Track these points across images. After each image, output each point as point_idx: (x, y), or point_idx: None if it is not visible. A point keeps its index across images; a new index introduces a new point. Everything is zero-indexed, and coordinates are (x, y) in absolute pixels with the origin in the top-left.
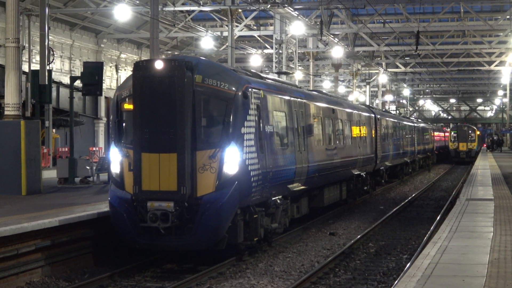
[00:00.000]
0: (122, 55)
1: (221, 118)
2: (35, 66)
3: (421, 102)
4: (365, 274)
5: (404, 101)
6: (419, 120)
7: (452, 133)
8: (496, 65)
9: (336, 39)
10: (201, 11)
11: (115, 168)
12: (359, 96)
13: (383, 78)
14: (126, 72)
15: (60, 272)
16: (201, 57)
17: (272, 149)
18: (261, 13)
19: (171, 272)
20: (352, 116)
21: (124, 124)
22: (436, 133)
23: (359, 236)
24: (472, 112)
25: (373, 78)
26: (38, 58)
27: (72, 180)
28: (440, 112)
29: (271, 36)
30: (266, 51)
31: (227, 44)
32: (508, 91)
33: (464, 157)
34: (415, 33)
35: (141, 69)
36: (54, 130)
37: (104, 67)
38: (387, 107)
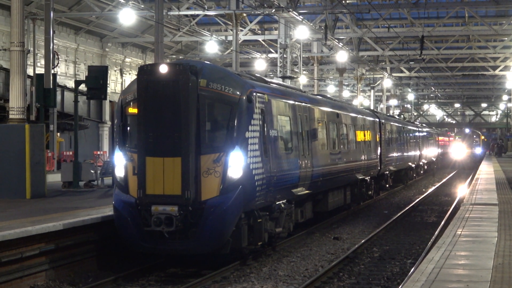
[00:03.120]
0: (127, 59)
1: (226, 122)
2: (40, 70)
3: (425, 106)
4: (369, 279)
5: (409, 106)
6: (424, 125)
7: (457, 138)
8: (500, 70)
9: (340, 43)
10: (205, 15)
11: (119, 172)
12: (363, 100)
13: (387, 82)
14: (130, 76)
15: (64, 276)
16: (206, 61)
17: (277, 154)
18: (265, 17)
19: (175, 276)
20: (357, 120)
21: (128, 128)
22: (440, 138)
23: (363, 241)
24: (477, 117)
25: (377, 83)
26: (42, 62)
27: (77, 184)
28: (445, 116)
29: (275, 41)
30: (270, 55)
31: (231, 48)
32: None
33: (469, 161)
34: (419, 38)
35: (146, 73)
36: (58, 134)
37: (109, 71)
38: (391, 112)
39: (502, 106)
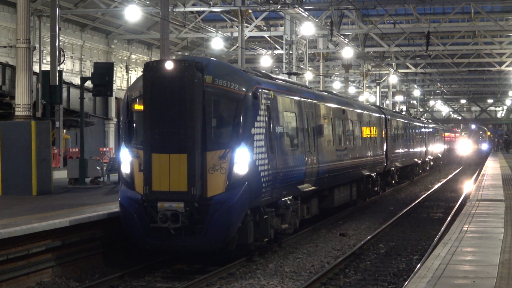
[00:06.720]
0: (133, 56)
1: (231, 118)
2: (46, 67)
3: (431, 102)
4: (375, 275)
5: (415, 102)
6: (430, 121)
7: (463, 134)
8: (506, 66)
9: (346, 39)
10: (211, 11)
11: (125, 169)
12: (369, 96)
13: (393, 78)
14: (136, 73)
15: (70, 272)
16: (211, 58)
17: (282, 150)
18: (271, 13)
19: (181, 272)
20: (362, 116)
21: (134, 124)
22: (446, 134)
23: (369, 237)
24: (483, 113)
25: (383, 79)
26: (48, 58)
27: (83, 180)
28: (451, 113)
29: (281, 37)
30: (276, 51)
31: (237, 44)
32: None
33: (475, 157)
34: (425, 34)
35: (152, 69)
36: (64, 130)
37: (115, 68)
38: (397, 108)
39: (508, 102)
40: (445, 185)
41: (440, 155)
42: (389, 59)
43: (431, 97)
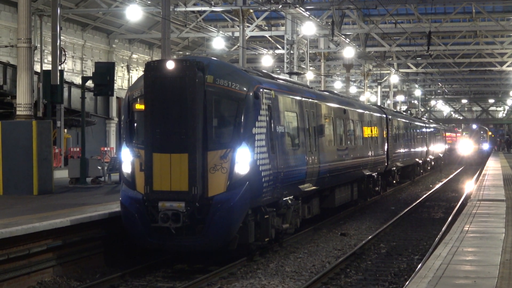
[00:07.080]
0: (134, 56)
1: (232, 118)
2: (47, 66)
3: (432, 102)
4: (376, 275)
5: (416, 102)
6: (431, 121)
7: (464, 134)
8: (508, 66)
9: (347, 39)
10: (212, 11)
11: (126, 168)
12: (370, 96)
13: (394, 78)
14: (137, 73)
15: (71, 272)
16: (213, 58)
17: (283, 150)
18: (272, 13)
19: (182, 272)
20: (364, 116)
21: (135, 124)
22: (447, 134)
23: (370, 237)
24: (484, 113)
25: (384, 79)
26: (50, 58)
27: (84, 180)
28: (452, 112)
29: (282, 37)
30: (277, 51)
31: (238, 44)
32: None
33: (476, 157)
34: (426, 34)
35: (153, 69)
36: (65, 130)
37: (116, 68)
38: (398, 108)
39: (509, 102)
40: (446, 185)
41: (441, 155)
42: (390, 59)
43: (432, 97)
